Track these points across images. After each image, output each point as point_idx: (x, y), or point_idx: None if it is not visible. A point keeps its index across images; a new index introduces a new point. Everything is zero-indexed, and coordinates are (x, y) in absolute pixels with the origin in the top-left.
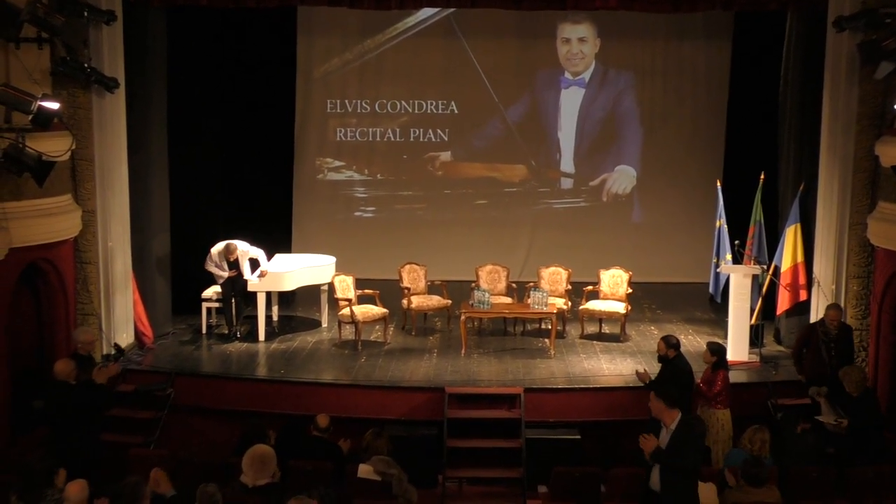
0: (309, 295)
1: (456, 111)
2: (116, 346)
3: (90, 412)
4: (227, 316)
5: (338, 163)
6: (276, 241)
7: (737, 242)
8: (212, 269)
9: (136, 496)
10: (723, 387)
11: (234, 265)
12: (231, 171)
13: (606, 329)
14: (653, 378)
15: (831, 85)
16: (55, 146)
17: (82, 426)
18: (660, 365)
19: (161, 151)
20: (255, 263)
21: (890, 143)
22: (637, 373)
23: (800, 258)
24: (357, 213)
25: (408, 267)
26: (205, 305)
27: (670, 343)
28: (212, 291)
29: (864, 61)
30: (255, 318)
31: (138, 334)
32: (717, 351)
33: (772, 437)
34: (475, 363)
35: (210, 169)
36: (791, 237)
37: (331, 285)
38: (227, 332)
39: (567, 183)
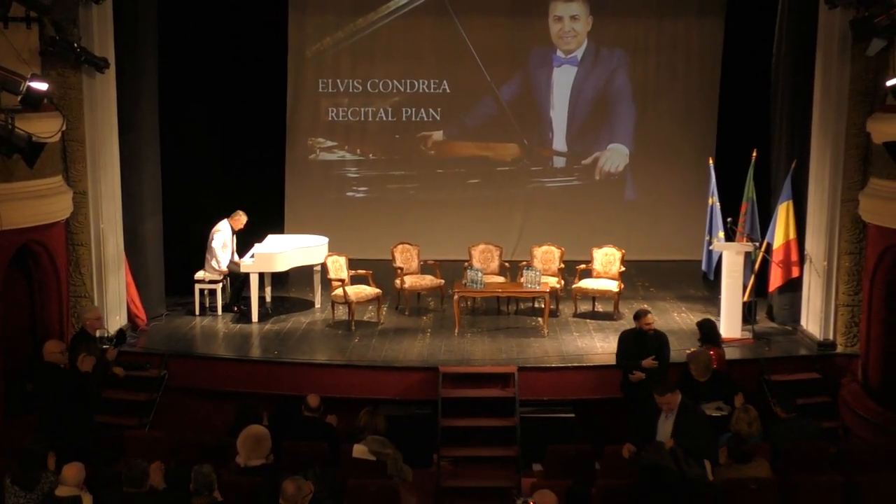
0: (302, 276)
1: (448, 90)
2: (119, 330)
3: (80, 397)
4: (236, 293)
5: (330, 143)
6: (269, 221)
7: (729, 220)
8: (219, 253)
9: (141, 479)
10: (718, 365)
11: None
12: (223, 152)
13: (600, 307)
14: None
15: (823, 62)
16: (45, 127)
17: (73, 410)
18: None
19: (152, 132)
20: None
21: (881, 119)
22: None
23: (792, 235)
24: (349, 193)
25: (400, 247)
26: (198, 287)
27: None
28: (203, 274)
29: (856, 38)
30: (249, 299)
31: (131, 316)
32: (706, 327)
33: (760, 414)
34: (469, 342)
35: (202, 149)
36: (783, 214)
37: (323, 266)
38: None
39: (559, 161)
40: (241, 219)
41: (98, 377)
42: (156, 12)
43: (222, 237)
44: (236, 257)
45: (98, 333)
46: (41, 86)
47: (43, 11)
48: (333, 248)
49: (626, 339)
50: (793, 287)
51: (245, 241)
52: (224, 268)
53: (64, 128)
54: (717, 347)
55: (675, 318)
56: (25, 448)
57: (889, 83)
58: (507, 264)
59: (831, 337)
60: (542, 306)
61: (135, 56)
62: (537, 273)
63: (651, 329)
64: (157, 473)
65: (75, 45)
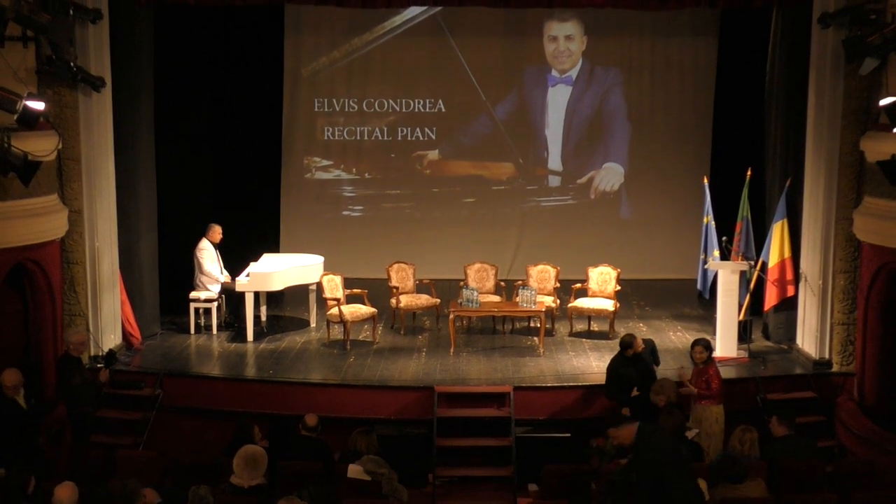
0: (297, 295)
1: (443, 109)
2: (109, 351)
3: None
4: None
5: (325, 162)
6: (265, 240)
7: (724, 238)
8: (207, 267)
9: (131, 499)
10: (719, 381)
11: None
12: (218, 171)
13: (595, 326)
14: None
15: (817, 81)
16: (41, 146)
17: (17, 443)
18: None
19: (148, 150)
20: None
21: (875, 138)
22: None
23: (787, 254)
24: (345, 213)
25: (396, 266)
26: (193, 305)
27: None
28: (198, 293)
29: (848, 57)
30: (244, 317)
31: (126, 335)
32: (710, 347)
33: (760, 435)
34: (464, 362)
35: (197, 168)
36: (778, 233)
37: (319, 285)
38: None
39: (555, 180)
40: (217, 231)
41: (91, 398)
42: (152, 32)
43: (211, 255)
44: (225, 272)
45: (92, 353)
46: (37, 105)
47: (40, 31)
48: (329, 267)
49: (619, 369)
50: (788, 306)
51: (241, 259)
52: (221, 279)
53: (60, 146)
54: (714, 365)
55: (670, 337)
56: (3, 477)
57: (882, 102)
58: (502, 283)
59: (827, 355)
60: (538, 325)
61: (131, 75)
62: (533, 292)
63: (641, 349)
64: (151, 496)
65: (72, 64)
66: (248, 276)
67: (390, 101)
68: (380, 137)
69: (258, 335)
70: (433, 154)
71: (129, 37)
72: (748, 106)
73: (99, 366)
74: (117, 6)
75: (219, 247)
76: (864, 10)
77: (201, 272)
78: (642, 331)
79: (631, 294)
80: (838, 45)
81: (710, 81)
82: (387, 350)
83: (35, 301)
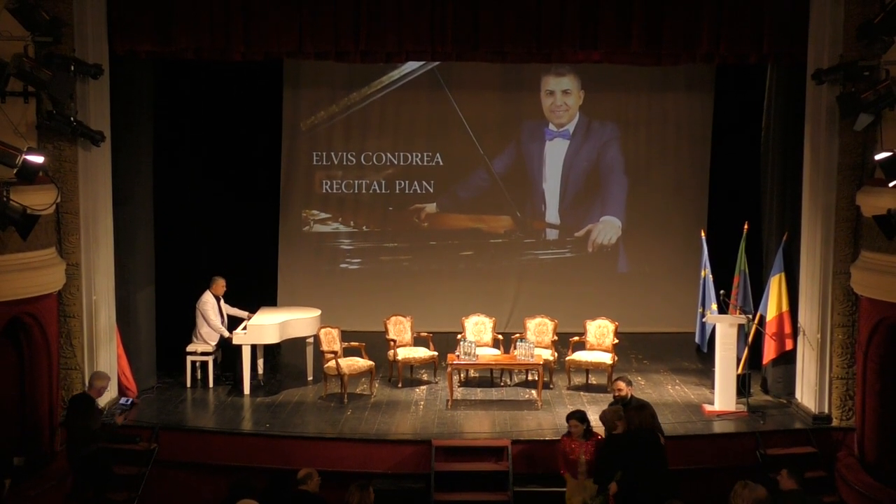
0: (294, 348)
1: (441, 163)
2: (127, 399)
3: None
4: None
5: (323, 215)
6: (262, 293)
7: (722, 292)
8: (213, 320)
9: None
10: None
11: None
12: (216, 224)
13: (593, 380)
14: None
15: (812, 136)
16: (40, 199)
17: None
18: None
19: (146, 204)
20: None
21: (871, 193)
22: None
23: (785, 307)
24: (343, 265)
25: (393, 319)
26: (189, 359)
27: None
28: (195, 346)
29: (843, 113)
30: (241, 371)
31: (122, 389)
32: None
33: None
34: (462, 415)
35: (195, 221)
36: (776, 286)
37: (316, 338)
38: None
39: (552, 234)
40: (220, 284)
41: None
42: (152, 87)
43: (214, 308)
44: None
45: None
46: (37, 159)
47: (41, 86)
48: (326, 320)
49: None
50: (787, 360)
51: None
52: (226, 332)
53: (58, 200)
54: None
55: (668, 391)
56: None
57: (877, 157)
58: (500, 336)
59: (826, 410)
60: (536, 378)
61: (130, 129)
62: (530, 345)
63: (620, 395)
64: None
65: (72, 118)
66: (245, 328)
67: (388, 154)
68: (378, 190)
69: (255, 388)
70: (431, 207)
71: (129, 91)
72: (745, 160)
73: (117, 411)
74: (118, 61)
75: (221, 300)
76: (858, 66)
77: (205, 326)
78: (641, 384)
79: (629, 347)
80: (833, 100)
81: (707, 136)
82: (384, 403)
83: (31, 355)
